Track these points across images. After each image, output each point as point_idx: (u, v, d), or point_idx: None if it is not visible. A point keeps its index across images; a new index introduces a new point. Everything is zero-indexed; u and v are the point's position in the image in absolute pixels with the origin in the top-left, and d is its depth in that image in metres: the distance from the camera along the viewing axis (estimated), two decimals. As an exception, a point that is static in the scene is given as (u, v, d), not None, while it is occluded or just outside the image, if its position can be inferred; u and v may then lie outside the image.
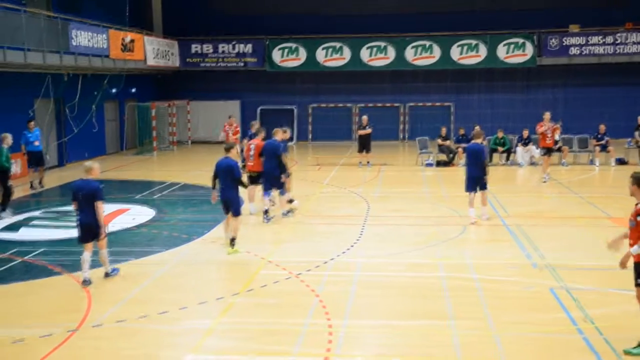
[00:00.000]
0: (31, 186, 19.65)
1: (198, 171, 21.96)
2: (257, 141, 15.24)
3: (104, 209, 10.39)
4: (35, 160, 19.76)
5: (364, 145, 23.72)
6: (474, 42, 31.00)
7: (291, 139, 16.31)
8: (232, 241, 12.12)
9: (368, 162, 23.91)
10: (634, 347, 7.53)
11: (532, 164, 23.62)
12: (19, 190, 19.31)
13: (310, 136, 33.55)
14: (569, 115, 30.85)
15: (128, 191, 19.55)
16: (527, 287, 10.02)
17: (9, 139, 16.12)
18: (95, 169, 10.61)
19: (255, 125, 18.80)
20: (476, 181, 14.37)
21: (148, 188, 19.77)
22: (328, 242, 12.89)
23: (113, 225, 14.54)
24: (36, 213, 16.19)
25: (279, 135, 15.00)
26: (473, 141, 14.87)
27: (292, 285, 10.27)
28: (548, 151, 20.42)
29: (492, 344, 7.90)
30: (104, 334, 8.37)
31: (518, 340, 8.04)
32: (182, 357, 7.67)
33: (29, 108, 22.35)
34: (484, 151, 14.54)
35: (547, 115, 20.65)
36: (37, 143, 19.62)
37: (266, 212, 14.67)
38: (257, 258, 11.79)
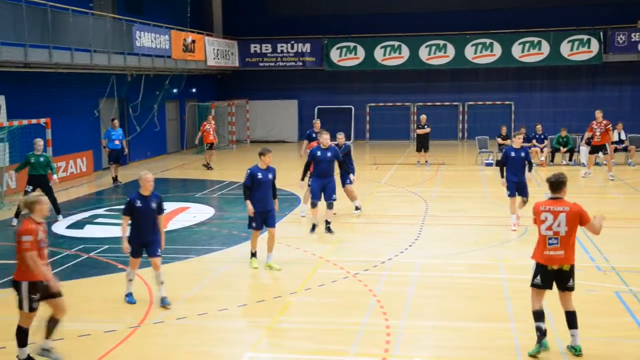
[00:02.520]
0: (114, 181, 20.41)
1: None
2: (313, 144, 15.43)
3: (124, 223, 9.35)
4: (115, 158, 20.39)
5: (422, 144, 23.54)
6: (536, 39, 30.35)
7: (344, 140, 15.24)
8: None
9: (426, 162, 23.72)
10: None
11: (596, 164, 22.99)
12: (78, 191, 19.95)
13: (367, 135, 33.46)
14: (637, 114, 29.95)
15: (188, 190, 19.90)
16: (590, 290, 9.76)
17: (37, 144, 15.11)
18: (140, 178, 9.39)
19: (317, 123, 18.54)
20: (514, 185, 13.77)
21: (208, 187, 20.08)
22: (386, 242, 12.83)
23: (174, 223, 14.85)
24: (100, 211, 16.62)
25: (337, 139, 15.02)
26: None
27: (349, 285, 10.27)
28: (594, 150, 20.60)
29: (554, 347, 7.70)
30: (164, 330, 8.53)
31: (582, 344, 7.83)
32: (241, 354, 7.75)
33: (95, 108, 23.02)
34: (503, 154, 14.00)
35: (599, 113, 20.72)
36: (117, 142, 20.22)
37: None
38: (315, 257, 11.83)
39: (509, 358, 7.53)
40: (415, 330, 8.43)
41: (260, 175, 10.86)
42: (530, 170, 13.79)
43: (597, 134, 20.36)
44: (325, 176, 13.54)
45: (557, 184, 7.62)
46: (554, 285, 7.61)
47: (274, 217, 11.13)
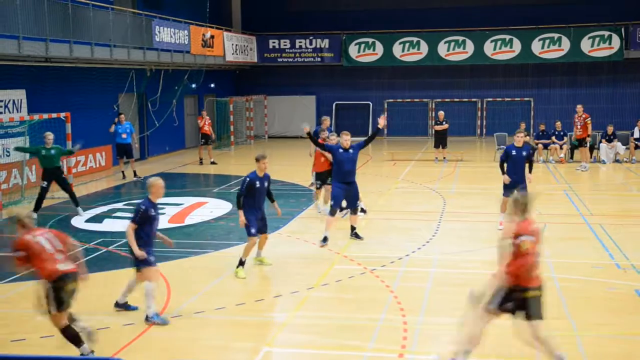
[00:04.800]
0: (123, 176, 20.58)
1: (276, 165, 22.16)
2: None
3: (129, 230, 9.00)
4: (123, 153, 20.55)
5: (440, 140, 23.46)
6: (556, 35, 30.08)
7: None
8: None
9: (444, 158, 23.63)
10: None
11: (617, 161, 22.81)
12: (97, 185, 20.07)
13: (385, 131, 33.31)
14: (658, 111, 29.64)
15: (206, 185, 19.96)
16: (610, 288, 9.69)
17: (47, 138, 15.02)
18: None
19: (326, 121, 17.81)
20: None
21: (225, 182, 20.12)
22: (403, 238, 12.81)
23: (192, 218, 14.91)
24: (119, 205, 16.73)
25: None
26: None
27: (366, 281, 10.26)
28: (579, 143, 21.98)
29: (573, 345, 7.66)
30: (182, 324, 8.57)
31: (600, 342, 7.79)
32: (257, 349, 7.77)
33: (114, 103, 23.16)
34: (504, 152, 13.31)
35: (580, 107, 22.36)
36: (124, 136, 20.35)
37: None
38: (332, 253, 11.83)
39: (528, 355, 7.48)
40: (432, 326, 8.41)
41: (258, 184, 10.49)
42: (530, 171, 13.06)
43: (578, 127, 22.01)
44: (349, 179, 12.33)
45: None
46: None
47: (267, 224, 10.90)
